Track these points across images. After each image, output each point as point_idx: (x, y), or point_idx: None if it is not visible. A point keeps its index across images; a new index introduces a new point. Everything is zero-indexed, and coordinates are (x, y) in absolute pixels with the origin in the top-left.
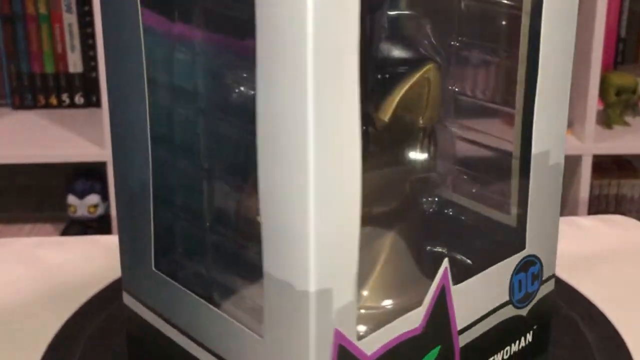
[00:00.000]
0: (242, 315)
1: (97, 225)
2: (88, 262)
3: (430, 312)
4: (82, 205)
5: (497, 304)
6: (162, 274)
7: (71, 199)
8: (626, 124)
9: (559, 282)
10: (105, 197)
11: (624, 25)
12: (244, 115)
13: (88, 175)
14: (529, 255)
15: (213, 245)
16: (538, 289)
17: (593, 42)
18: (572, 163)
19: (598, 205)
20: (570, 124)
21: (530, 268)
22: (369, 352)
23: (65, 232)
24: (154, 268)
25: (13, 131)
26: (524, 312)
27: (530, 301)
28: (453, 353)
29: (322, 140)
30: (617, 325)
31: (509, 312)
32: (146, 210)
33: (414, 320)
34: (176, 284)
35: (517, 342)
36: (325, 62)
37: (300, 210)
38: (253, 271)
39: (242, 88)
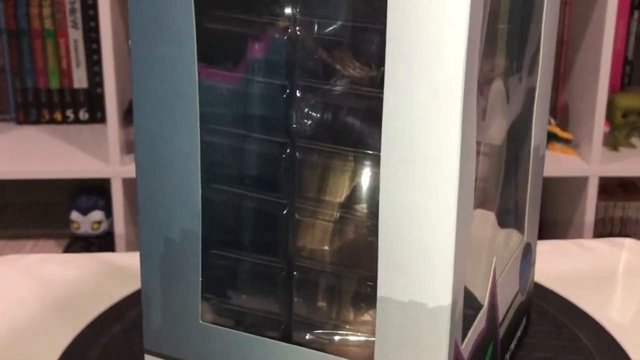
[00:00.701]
0: (336, 348)
1: (101, 242)
2: (93, 279)
3: (488, 310)
4: (86, 222)
5: (514, 293)
6: (214, 325)
7: (75, 215)
8: (632, 146)
9: (567, 304)
10: (109, 214)
11: (631, 48)
12: (344, 141)
13: (92, 192)
14: (527, 243)
15: (297, 282)
16: (530, 274)
17: (600, 64)
18: (578, 185)
19: (603, 227)
20: (577, 146)
21: (527, 255)
22: (466, 357)
23: (68, 249)
24: (201, 321)
25: (17, 146)
26: (524, 297)
27: (527, 286)
28: (497, 347)
29: (464, 160)
30: (624, 346)
31: (518, 299)
32: (192, 260)
33: (481, 319)
34: (239, 332)
35: (520, 327)
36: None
37: (443, 229)
38: (345, 302)
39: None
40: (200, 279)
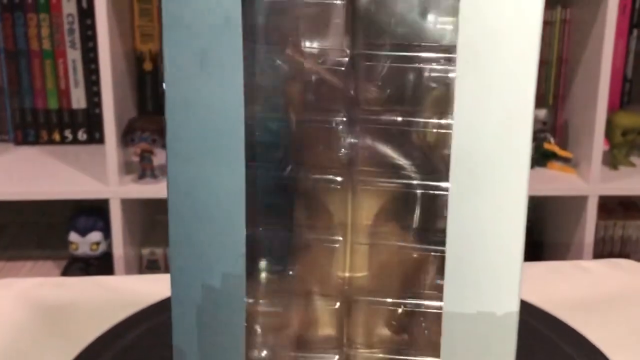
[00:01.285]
0: None
1: (99, 263)
2: (89, 303)
3: None
4: (84, 243)
5: None
6: None
7: (73, 236)
8: (632, 164)
9: (563, 326)
10: (107, 235)
11: (630, 66)
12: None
13: (90, 213)
14: None
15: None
16: None
17: (599, 83)
18: (577, 204)
19: (603, 247)
20: (576, 165)
21: None
22: None
23: (66, 270)
24: None
25: (15, 167)
26: None
27: None
28: None
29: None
30: None
31: None
32: (236, 307)
33: None
34: None
35: None
36: None
37: (513, 239)
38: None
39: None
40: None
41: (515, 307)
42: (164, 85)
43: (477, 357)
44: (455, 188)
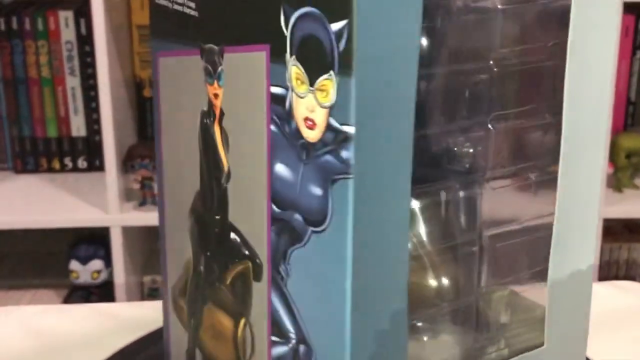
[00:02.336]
0: None
1: (101, 292)
2: (91, 331)
3: None
4: (85, 271)
5: None
6: None
7: (74, 264)
8: (636, 187)
9: None
10: (108, 263)
11: (634, 88)
12: None
13: (91, 241)
14: None
15: None
16: None
17: None
18: None
19: (608, 270)
20: None
21: None
22: None
23: (67, 299)
24: None
25: (15, 196)
26: None
27: None
28: None
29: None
30: None
31: None
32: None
33: None
34: None
35: None
36: None
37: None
38: None
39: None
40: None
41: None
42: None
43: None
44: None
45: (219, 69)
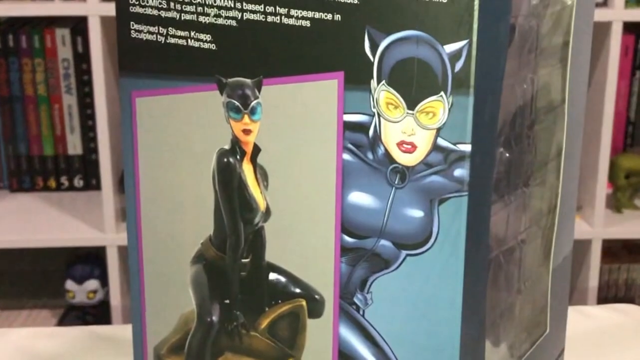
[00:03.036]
0: None
1: (96, 312)
2: (86, 354)
3: None
4: (81, 291)
5: None
6: None
7: (70, 284)
8: (636, 207)
9: None
10: (104, 283)
11: (633, 108)
12: None
13: (87, 260)
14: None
15: None
16: None
17: (602, 125)
18: (581, 248)
19: (608, 290)
20: (580, 208)
21: None
22: None
23: (63, 319)
24: None
25: (10, 215)
26: None
27: None
28: None
29: None
30: None
31: None
32: None
33: None
34: None
35: None
36: None
37: None
38: None
39: None
40: None
41: None
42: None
43: None
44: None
45: (253, 102)
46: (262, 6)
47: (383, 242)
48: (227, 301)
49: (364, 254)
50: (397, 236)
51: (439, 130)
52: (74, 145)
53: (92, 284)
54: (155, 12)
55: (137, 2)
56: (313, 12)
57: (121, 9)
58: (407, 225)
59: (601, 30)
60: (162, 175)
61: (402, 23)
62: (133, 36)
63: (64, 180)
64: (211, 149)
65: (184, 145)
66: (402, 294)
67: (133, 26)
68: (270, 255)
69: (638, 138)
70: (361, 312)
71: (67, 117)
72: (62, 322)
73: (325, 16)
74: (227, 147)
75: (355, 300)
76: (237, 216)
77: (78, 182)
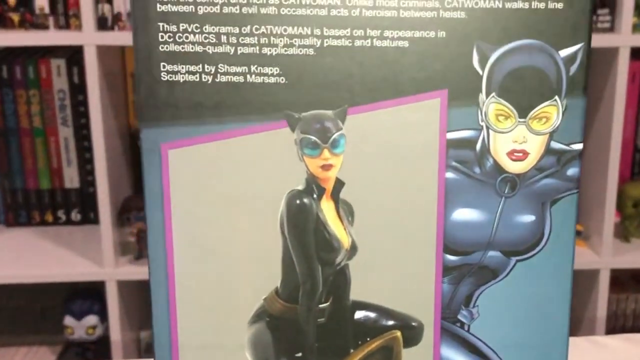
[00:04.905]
0: None
1: (96, 348)
2: None
3: None
4: (80, 327)
5: None
6: None
7: (68, 320)
8: None
9: None
10: (104, 318)
11: None
12: None
13: (86, 295)
14: None
15: None
16: None
17: (610, 153)
18: (589, 277)
19: (616, 321)
20: (587, 237)
21: None
22: None
23: (62, 356)
24: None
25: (7, 250)
26: None
27: None
28: None
29: None
30: None
31: None
32: None
33: None
34: None
35: None
36: None
37: None
38: None
39: None
40: None
41: None
42: None
43: None
44: None
45: (335, 134)
46: (349, 30)
47: (491, 253)
48: (300, 354)
49: (470, 269)
50: (507, 244)
51: (552, 134)
52: (71, 179)
53: (92, 319)
54: (199, 48)
55: (170, 39)
56: (412, 32)
57: (146, 49)
58: (517, 232)
59: (608, 56)
60: (208, 232)
61: (514, 33)
62: (164, 79)
63: (61, 214)
64: (276, 192)
65: (238, 194)
66: (512, 300)
67: (164, 67)
68: (356, 293)
69: None
70: (466, 328)
71: (63, 149)
72: (61, 359)
73: (427, 34)
74: (300, 187)
75: (460, 317)
76: (314, 260)
77: (75, 216)
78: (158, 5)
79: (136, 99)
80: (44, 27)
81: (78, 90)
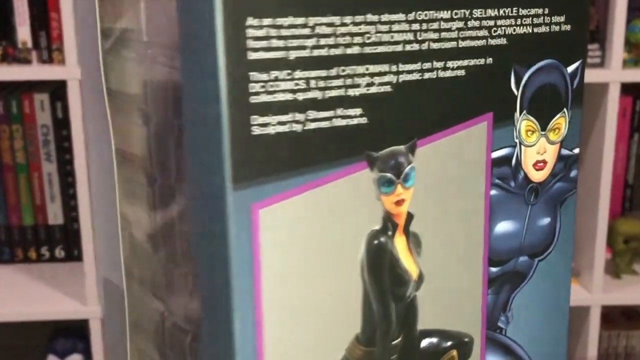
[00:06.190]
0: None
1: None
2: None
3: None
4: None
5: None
6: None
7: (52, 359)
8: (635, 273)
9: None
10: (88, 357)
11: (632, 171)
12: None
13: (70, 334)
14: None
15: None
16: None
17: (600, 189)
18: (579, 314)
19: (607, 358)
20: (578, 274)
21: None
22: None
23: None
24: None
25: None
26: None
27: None
28: None
29: None
30: None
31: None
32: None
33: None
34: None
35: None
36: None
37: None
38: None
39: None
40: None
41: None
42: None
43: None
44: None
45: (407, 169)
46: (420, 64)
47: (522, 258)
48: None
49: (507, 277)
50: (533, 247)
51: (562, 142)
52: (55, 215)
53: (75, 358)
54: (289, 96)
55: (262, 89)
56: (468, 60)
57: (236, 104)
58: (540, 235)
59: (598, 91)
60: (297, 290)
61: (539, 55)
62: (255, 133)
63: (44, 251)
64: (358, 236)
65: (324, 244)
66: (536, 300)
67: (256, 121)
68: (422, 323)
69: (637, 202)
70: (504, 332)
71: (47, 185)
72: None
73: (479, 61)
74: (377, 227)
75: (499, 323)
76: (389, 299)
77: (59, 252)
78: (249, 53)
79: (209, 158)
80: (27, 61)
81: (62, 125)
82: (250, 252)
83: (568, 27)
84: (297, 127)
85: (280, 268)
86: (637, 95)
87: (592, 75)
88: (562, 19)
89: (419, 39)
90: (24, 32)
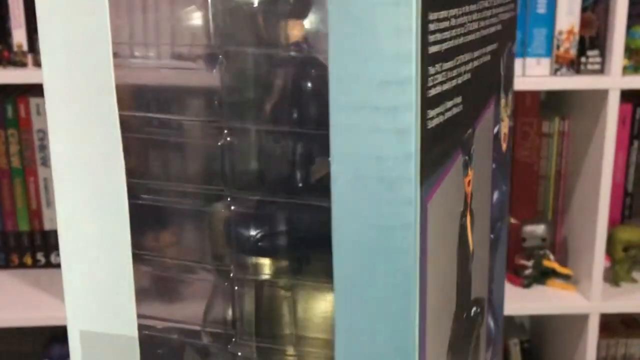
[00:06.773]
0: None
1: None
2: None
3: None
4: None
5: None
6: None
7: None
8: (634, 280)
9: None
10: None
11: (631, 179)
12: None
13: (66, 340)
14: None
15: None
16: None
17: (599, 197)
18: (578, 322)
19: None
20: (577, 282)
21: None
22: None
23: None
24: None
25: None
26: None
27: None
28: None
29: None
30: None
31: None
32: None
33: None
34: None
35: None
36: None
37: None
38: None
39: None
40: None
41: None
42: None
43: None
44: None
45: (472, 149)
46: (479, 51)
47: (499, 224)
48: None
49: (493, 242)
50: (503, 214)
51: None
52: (51, 220)
53: None
54: (446, 86)
55: (437, 82)
56: (491, 45)
57: (416, 99)
58: (505, 202)
59: (598, 98)
60: (443, 274)
61: (508, 38)
62: (429, 127)
63: (40, 256)
64: (457, 218)
65: (447, 229)
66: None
67: (429, 115)
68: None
69: (636, 210)
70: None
71: (42, 190)
72: None
73: (494, 46)
74: (461, 208)
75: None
76: (466, 275)
77: (55, 258)
78: (430, 48)
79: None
80: (22, 64)
81: None
82: (425, 243)
83: (514, 12)
84: (446, 116)
85: (436, 255)
86: (637, 103)
87: (591, 82)
88: (513, 5)
89: (480, 26)
90: (19, 35)
